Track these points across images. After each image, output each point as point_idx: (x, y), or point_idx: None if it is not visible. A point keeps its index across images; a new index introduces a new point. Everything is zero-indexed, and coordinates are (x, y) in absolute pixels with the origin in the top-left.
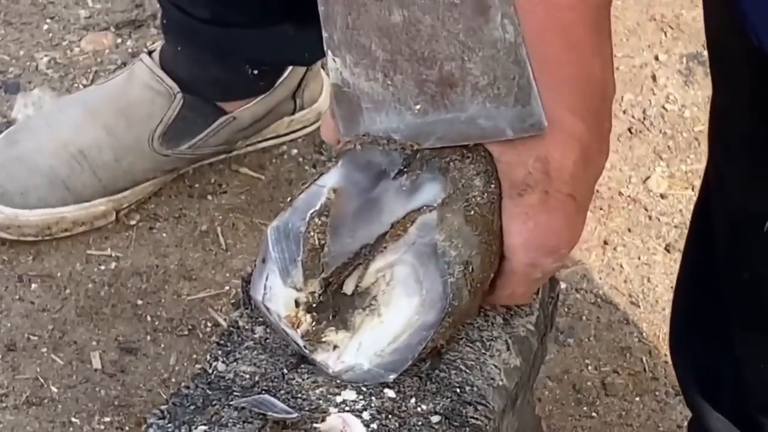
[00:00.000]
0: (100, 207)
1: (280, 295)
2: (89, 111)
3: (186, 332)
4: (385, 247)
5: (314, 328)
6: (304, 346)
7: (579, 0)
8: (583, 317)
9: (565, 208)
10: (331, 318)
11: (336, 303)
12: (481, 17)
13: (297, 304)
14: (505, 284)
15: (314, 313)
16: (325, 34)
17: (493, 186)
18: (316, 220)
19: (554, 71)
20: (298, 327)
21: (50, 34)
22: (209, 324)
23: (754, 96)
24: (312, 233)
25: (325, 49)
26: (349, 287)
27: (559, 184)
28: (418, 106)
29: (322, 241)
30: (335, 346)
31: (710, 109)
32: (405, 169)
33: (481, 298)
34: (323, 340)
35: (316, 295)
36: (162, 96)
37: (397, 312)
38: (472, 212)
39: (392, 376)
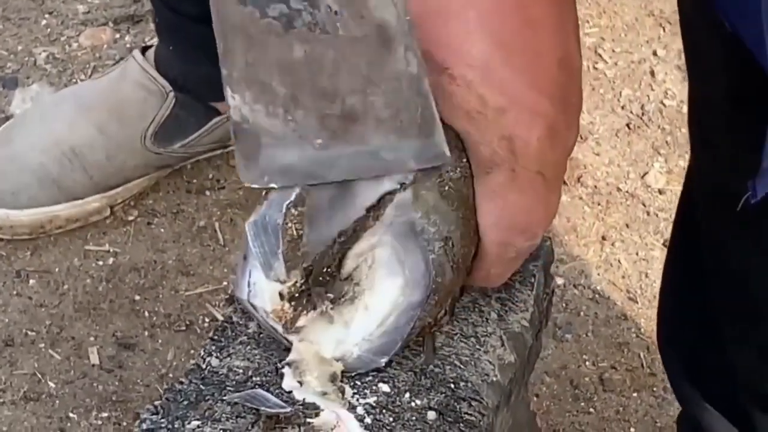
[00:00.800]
0: (94, 204)
1: (265, 290)
2: (82, 108)
3: (184, 328)
4: (362, 231)
5: (290, 316)
6: (287, 338)
7: None
8: (581, 313)
9: (534, 185)
10: (309, 304)
11: (318, 290)
12: (383, 50)
13: (282, 296)
14: (480, 265)
15: (293, 303)
16: (224, 71)
17: (464, 160)
18: (293, 210)
19: (512, 48)
20: (283, 318)
21: (48, 30)
22: (207, 319)
23: (729, 84)
24: (290, 224)
25: (224, 86)
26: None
27: (525, 161)
28: (319, 141)
29: (300, 232)
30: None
31: (688, 101)
32: None
33: (464, 275)
34: (299, 326)
35: (297, 284)
36: (154, 95)
37: (381, 294)
38: (447, 188)
39: (383, 360)
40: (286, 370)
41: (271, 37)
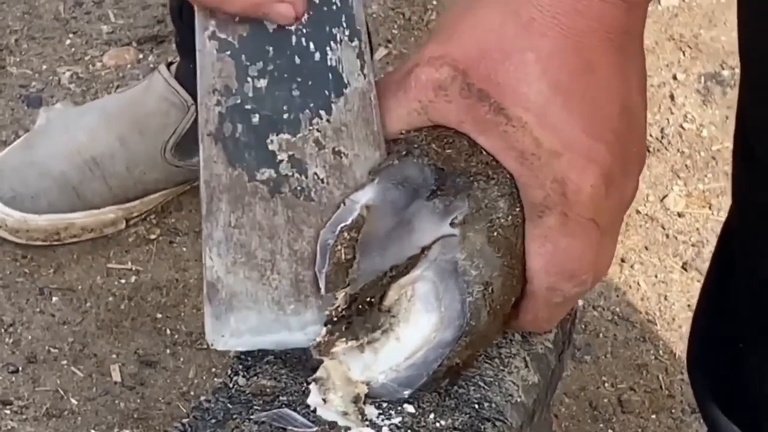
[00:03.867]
0: (110, 215)
1: None
2: (105, 119)
3: (205, 346)
4: (413, 268)
5: (326, 340)
6: (317, 358)
7: (599, 23)
8: (600, 334)
9: (586, 232)
10: (350, 333)
11: (359, 320)
12: None
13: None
14: (528, 308)
15: (331, 326)
16: (205, 231)
17: (517, 209)
18: (345, 234)
19: (570, 92)
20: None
21: (72, 49)
22: None
23: None
24: (340, 247)
25: (202, 246)
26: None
27: (578, 207)
28: (291, 306)
29: (349, 256)
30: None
31: (737, 128)
32: (438, 191)
33: (501, 322)
34: (333, 351)
35: (339, 308)
36: (176, 108)
37: (415, 328)
38: (495, 234)
39: (407, 392)
40: (312, 387)
41: (257, 200)
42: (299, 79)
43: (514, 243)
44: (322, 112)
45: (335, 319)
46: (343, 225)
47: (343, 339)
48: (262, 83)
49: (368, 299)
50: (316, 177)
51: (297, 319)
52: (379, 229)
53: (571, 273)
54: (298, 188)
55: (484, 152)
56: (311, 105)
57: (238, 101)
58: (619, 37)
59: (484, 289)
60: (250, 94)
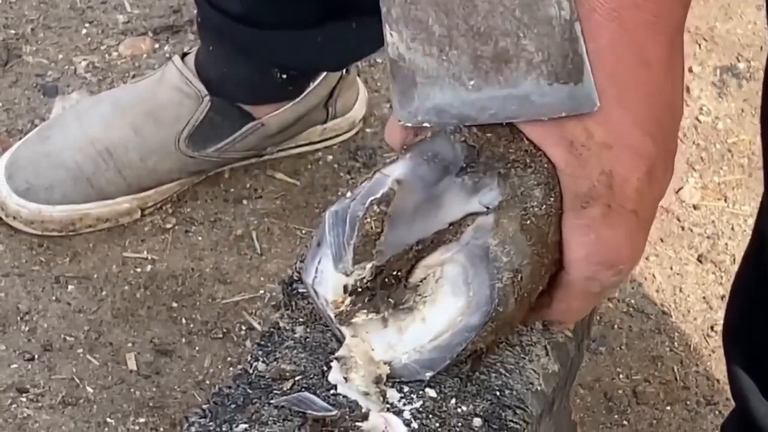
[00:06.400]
0: (125, 204)
1: (329, 280)
2: (119, 109)
3: (221, 335)
4: (440, 245)
5: (348, 309)
6: (340, 329)
7: (656, 17)
8: (615, 326)
9: (628, 223)
10: (371, 305)
11: (382, 294)
12: None
13: (345, 290)
14: (563, 297)
15: (354, 297)
16: (383, 8)
17: (552, 199)
18: (375, 207)
19: (624, 86)
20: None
21: (89, 39)
22: (243, 327)
23: None
24: (369, 219)
25: (382, 23)
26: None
27: (622, 199)
28: (472, 82)
29: (378, 229)
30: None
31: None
32: (468, 168)
33: (526, 310)
34: (353, 321)
35: (364, 280)
36: (190, 98)
37: (441, 310)
38: (529, 222)
39: (429, 374)
40: (334, 364)
41: None
42: None
43: (546, 232)
44: None
45: (359, 289)
46: (373, 198)
47: (365, 311)
48: None
49: (394, 273)
50: None
51: (477, 95)
52: (407, 204)
53: (612, 262)
54: None
55: (525, 140)
56: None
57: None
58: (673, 31)
59: (513, 276)
60: None
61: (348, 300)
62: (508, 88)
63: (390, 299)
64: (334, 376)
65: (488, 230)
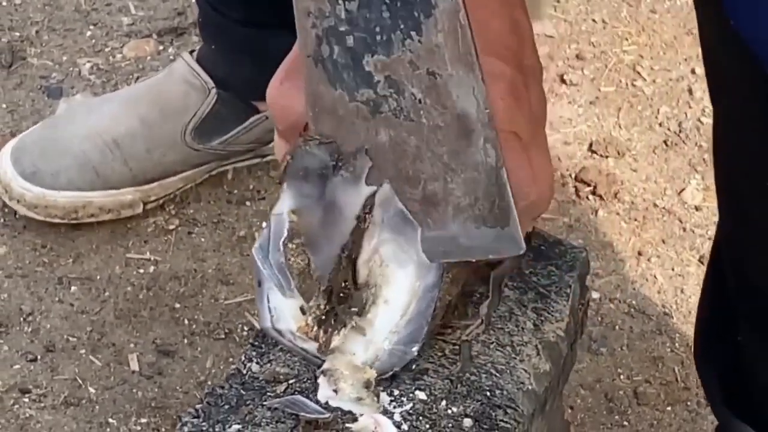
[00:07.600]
0: (128, 196)
1: (285, 309)
2: (127, 102)
3: (223, 336)
4: (362, 238)
5: (323, 340)
6: (321, 359)
7: None
8: (617, 327)
9: (511, 145)
10: (339, 323)
11: (342, 308)
12: (464, 140)
13: (303, 311)
14: None
15: (323, 326)
16: None
17: None
18: (290, 245)
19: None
20: (313, 338)
21: (93, 41)
22: (246, 328)
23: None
24: (293, 260)
25: None
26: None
27: (498, 122)
28: None
29: (305, 261)
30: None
31: (714, 133)
32: (339, 163)
33: None
34: (336, 346)
35: (322, 307)
36: (197, 90)
37: (397, 285)
38: None
39: (415, 348)
40: (321, 380)
41: (359, 120)
42: (387, 1)
43: None
44: (413, 33)
45: (323, 317)
46: (283, 239)
47: (336, 331)
48: (353, 5)
49: (342, 284)
50: (413, 97)
51: None
52: (313, 224)
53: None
54: (397, 108)
55: None
56: (402, 26)
57: (332, 23)
58: None
59: None
60: (342, 16)
61: (310, 320)
62: (437, 230)
63: (351, 308)
64: (324, 392)
65: (391, 197)
